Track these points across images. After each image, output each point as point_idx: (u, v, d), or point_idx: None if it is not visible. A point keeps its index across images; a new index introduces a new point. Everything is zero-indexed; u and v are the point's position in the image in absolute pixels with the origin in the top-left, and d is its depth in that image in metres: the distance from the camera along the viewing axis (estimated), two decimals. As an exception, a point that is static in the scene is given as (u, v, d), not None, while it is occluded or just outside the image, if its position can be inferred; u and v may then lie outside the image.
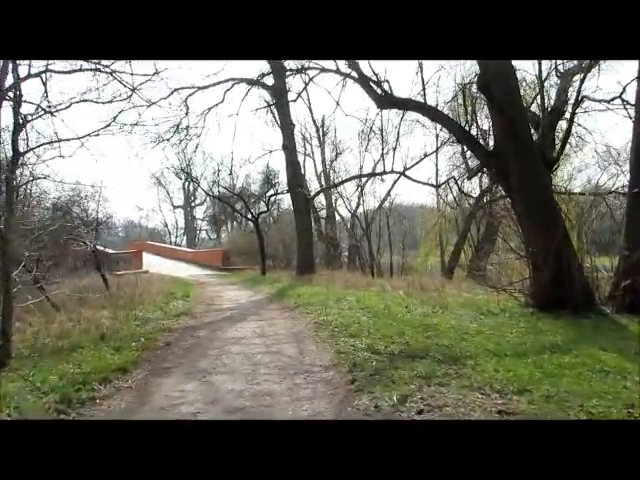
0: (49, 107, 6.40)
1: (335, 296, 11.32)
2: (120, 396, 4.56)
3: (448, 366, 4.93)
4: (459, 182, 19.73)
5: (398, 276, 22.46)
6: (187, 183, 45.52)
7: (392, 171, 18.90)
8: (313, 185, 28.60)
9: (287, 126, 18.82)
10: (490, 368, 4.77)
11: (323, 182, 25.80)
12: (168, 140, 18.42)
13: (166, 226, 49.27)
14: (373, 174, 20.50)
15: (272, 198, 22.77)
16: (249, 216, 22.38)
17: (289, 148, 18.87)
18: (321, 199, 27.58)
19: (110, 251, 28.36)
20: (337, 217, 28.50)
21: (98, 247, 29.84)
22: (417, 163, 19.12)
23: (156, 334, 7.57)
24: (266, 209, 22.46)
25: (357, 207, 25.14)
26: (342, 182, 20.56)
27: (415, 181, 18.87)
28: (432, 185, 20.32)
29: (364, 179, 21.26)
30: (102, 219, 15.52)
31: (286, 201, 31.23)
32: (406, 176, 18.69)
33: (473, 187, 21.02)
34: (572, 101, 12.21)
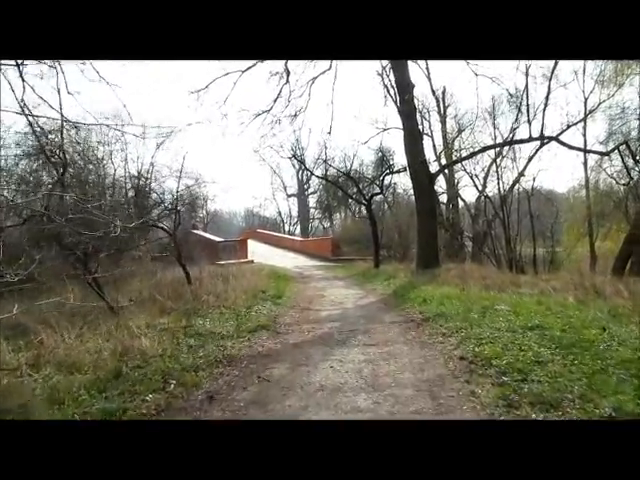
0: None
1: (477, 303, 7.95)
2: None
3: None
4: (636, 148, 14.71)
5: (544, 271, 18.08)
6: (301, 172, 45.48)
7: (541, 137, 14.55)
8: (432, 168, 24.92)
9: (405, 87, 15.26)
10: None
11: (444, 163, 21.93)
12: (268, 112, 16.07)
13: (280, 215, 49.30)
14: (515, 141, 16.18)
15: (387, 179, 19.35)
16: (361, 199, 19.17)
17: (407, 114, 15.33)
18: (440, 182, 23.98)
19: (217, 239, 27.52)
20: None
21: (201, 233, 29.37)
22: (575, 124, 14.56)
23: (202, 372, 4.74)
24: (380, 191, 19.10)
25: (484, 187, 21.05)
26: (475, 153, 16.44)
27: (573, 148, 14.34)
28: (600, 153, 15.38)
29: (503, 151, 17.03)
30: (185, 201, 13.22)
31: (402, 184, 27.94)
32: (560, 141, 14.26)
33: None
34: None
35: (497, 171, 18.09)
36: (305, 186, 47.21)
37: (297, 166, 45.21)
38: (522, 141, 15.88)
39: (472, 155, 16.73)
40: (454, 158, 18.70)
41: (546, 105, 14.77)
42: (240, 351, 5.63)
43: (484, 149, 16.51)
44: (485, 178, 22.31)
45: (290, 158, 18.66)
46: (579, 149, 14.89)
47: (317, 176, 20.68)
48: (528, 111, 15.17)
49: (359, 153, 49.71)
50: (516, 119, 16.03)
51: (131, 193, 12.65)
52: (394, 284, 12.38)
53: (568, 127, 14.35)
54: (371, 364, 4.93)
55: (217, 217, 49.12)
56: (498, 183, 17.87)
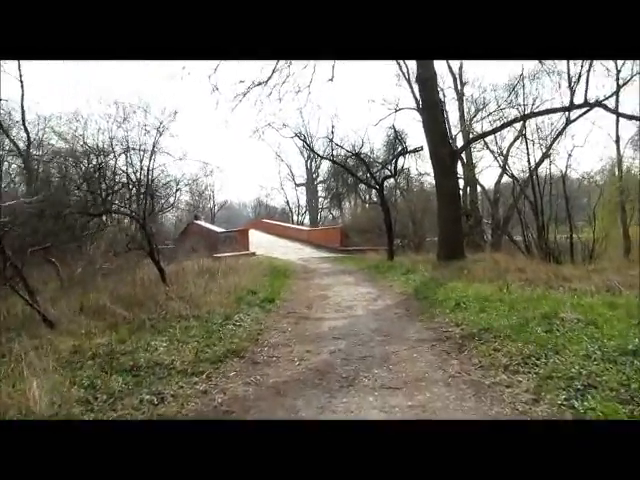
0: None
1: (530, 308, 5.97)
2: None
3: None
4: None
5: (583, 261, 15.78)
6: (309, 161, 45.07)
7: (585, 103, 12.25)
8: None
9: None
10: None
11: (460, 145, 19.69)
12: (266, 83, 13.96)
13: (288, 204, 48.59)
14: (554, 110, 13.77)
15: (400, 159, 17.02)
16: (372, 182, 16.93)
17: (426, 81, 13.08)
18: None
19: (217, 230, 25.76)
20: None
21: (202, 224, 27.55)
22: (623, 85, 12.21)
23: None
24: (393, 172, 16.84)
25: (503, 167, 18.62)
26: (507, 124, 13.97)
27: (623, 115, 12.07)
28: None
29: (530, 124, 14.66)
30: (160, 183, 11.00)
31: (416, 168, 25.72)
32: (605, 107, 11.97)
33: None
34: None
35: (527, 147, 15.74)
36: (314, 175, 46.12)
37: (305, 155, 44.90)
38: (562, 109, 13.54)
39: (503, 127, 14.33)
40: (476, 133, 16.47)
41: (590, 68, 12.49)
42: (184, 405, 3.54)
43: (517, 119, 14.06)
44: (505, 158, 20.04)
45: (293, 137, 16.35)
46: (630, 116, 12.58)
47: (323, 157, 18.40)
48: (569, 76, 12.87)
49: (369, 137, 48.08)
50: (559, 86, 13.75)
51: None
52: (414, 280, 10.24)
53: (618, 89, 12.02)
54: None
55: (226, 208, 48.84)
56: (528, 160, 15.53)
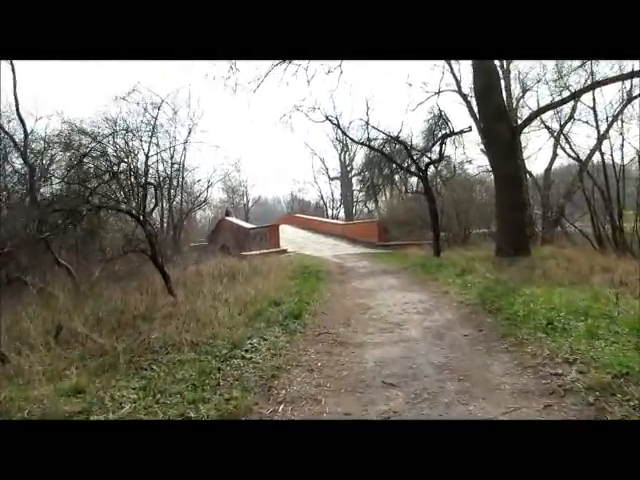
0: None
1: None
2: None
3: None
4: None
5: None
6: (343, 153, 43.76)
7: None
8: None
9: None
10: None
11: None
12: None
13: (322, 198, 47.16)
14: (618, 77, 11.37)
15: (446, 142, 14.88)
16: (413, 169, 14.88)
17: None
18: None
19: (247, 226, 24.57)
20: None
21: (233, 220, 26.23)
22: None
23: None
24: (439, 157, 14.76)
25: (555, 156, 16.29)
26: (574, 95, 11.58)
27: None
28: None
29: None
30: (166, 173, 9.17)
31: (456, 154, 23.43)
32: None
33: None
34: None
35: (596, 123, 13.43)
36: (348, 167, 44.27)
37: (339, 147, 43.59)
38: (628, 76, 11.20)
39: (571, 98, 11.96)
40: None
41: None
42: None
43: (584, 90, 11.74)
44: (557, 139, 17.65)
45: (324, 121, 14.49)
46: None
47: (358, 142, 16.47)
48: None
49: (406, 124, 45.92)
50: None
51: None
52: (474, 284, 8.26)
53: None
54: None
55: (260, 204, 48.63)
56: (600, 141, 13.18)
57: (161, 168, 17.11)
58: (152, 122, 15.61)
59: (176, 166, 22.39)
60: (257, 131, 69.69)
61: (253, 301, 7.22)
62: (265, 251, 18.45)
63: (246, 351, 4.66)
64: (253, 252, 18.01)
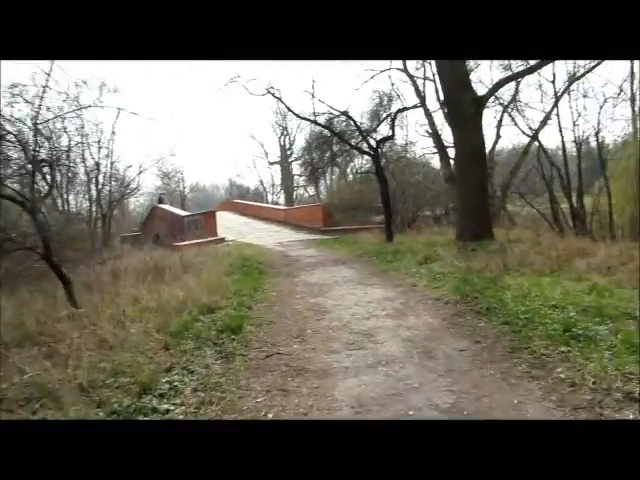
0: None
1: None
2: None
3: None
4: None
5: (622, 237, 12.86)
6: (282, 137, 43.07)
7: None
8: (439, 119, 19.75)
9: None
10: None
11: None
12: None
13: (262, 184, 46.24)
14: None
15: (399, 117, 13.67)
16: (365, 147, 13.53)
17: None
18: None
19: (182, 213, 22.87)
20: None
21: (166, 207, 24.31)
22: None
23: None
24: (390, 134, 13.54)
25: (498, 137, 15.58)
26: (541, 64, 10.49)
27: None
28: None
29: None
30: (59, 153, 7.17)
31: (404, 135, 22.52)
32: None
33: None
34: None
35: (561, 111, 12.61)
36: (288, 152, 43.36)
37: (279, 131, 42.81)
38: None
39: (540, 66, 10.94)
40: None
41: None
42: None
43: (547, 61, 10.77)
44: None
45: (264, 94, 12.93)
46: None
47: (303, 118, 14.85)
48: None
49: (352, 105, 45.13)
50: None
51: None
52: (443, 274, 7.12)
53: None
54: None
55: (198, 190, 47.38)
56: (548, 116, 12.38)
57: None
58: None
59: (105, 151, 20.56)
60: (194, 115, 66.56)
61: (180, 308, 5.66)
62: (201, 240, 16.90)
63: (160, 397, 3.15)
64: (188, 242, 16.39)
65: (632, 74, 15.87)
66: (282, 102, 13.73)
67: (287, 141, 43.37)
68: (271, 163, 45.32)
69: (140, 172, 23.95)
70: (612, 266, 6.62)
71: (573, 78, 13.91)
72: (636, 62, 14.59)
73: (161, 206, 25.08)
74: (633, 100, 16.37)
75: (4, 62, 5.07)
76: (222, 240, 18.36)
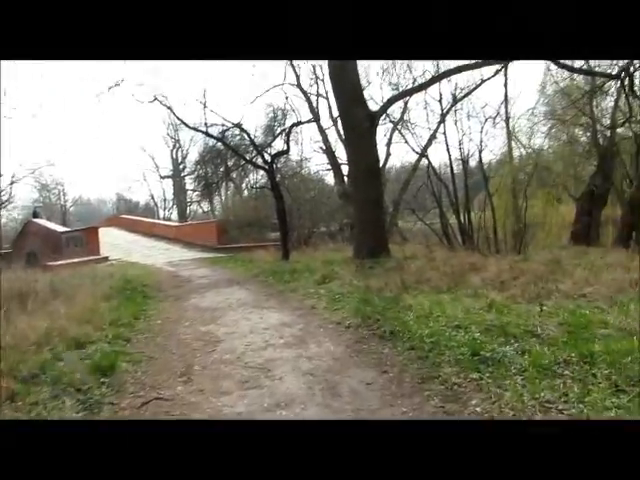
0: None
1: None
2: None
3: None
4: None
5: (515, 250, 13.54)
6: (175, 150, 41.84)
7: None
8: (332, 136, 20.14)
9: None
10: None
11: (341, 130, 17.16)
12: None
13: (153, 198, 44.27)
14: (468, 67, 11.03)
15: (292, 131, 13.40)
16: (259, 161, 13.04)
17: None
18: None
19: (59, 229, 20.95)
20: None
21: (41, 222, 22.08)
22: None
23: None
24: (286, 147, 13.23)
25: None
26: (438, 78, 10.69)
27: (573, 70, 9.76)
28: (608, 76, 10.52)
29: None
30: None
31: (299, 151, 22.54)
32: (557, 63, 9.61)
33: None
34: None
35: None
36: (180, 166, 42.00)
37: (171, 144, 41.50)
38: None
39: (433, 81, 11.23)
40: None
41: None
42: None
43: (449, 73, 11.05)
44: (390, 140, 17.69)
45: (152, 101, 12.07)
46: (582, 71, 10.35)
47: (194, 129, 13.98)
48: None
49: (246, 119, 44.60)
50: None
51: None
52: (342, 294, 6.85)
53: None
54: None
55: (81, 204, 44.34)
56: (434, 135, 12.88)
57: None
58: None
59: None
60: (79, 121, 61.37)
61: (42, 343, 4.73)
62: (81, 259, 15.43)
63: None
64: (64, 261, 14.77)
65: (506, 97, 17.29)
66: (172, 112, 12.87)
67: (180, 154, 41.96)
68: (162, 177, 43.34)
69: (12, 182, 21.65)
70: (504, 280, 6.77)
71: (456, 99, 14.67)
72: (509, 86, 15.92)
73: (36, 221, 22.85)
74: (508, 120, 17.80)
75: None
76: (105, 259, 16.95)
